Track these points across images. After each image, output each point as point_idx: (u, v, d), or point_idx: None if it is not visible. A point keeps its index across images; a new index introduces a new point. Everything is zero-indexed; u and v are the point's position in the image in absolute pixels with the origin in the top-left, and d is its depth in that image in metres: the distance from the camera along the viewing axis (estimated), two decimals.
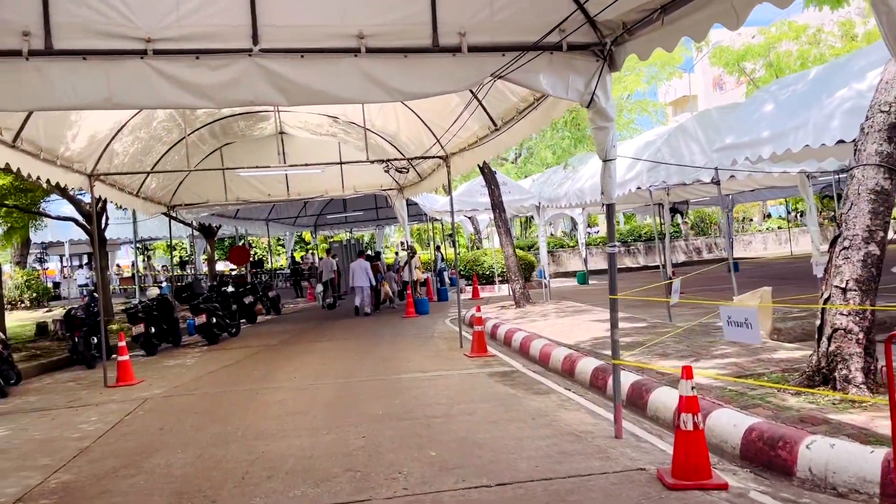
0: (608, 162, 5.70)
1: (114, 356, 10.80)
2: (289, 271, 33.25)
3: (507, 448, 5.68)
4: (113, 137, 10.34)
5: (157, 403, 8.72)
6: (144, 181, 13.36)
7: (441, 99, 9.77)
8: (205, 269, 31.96)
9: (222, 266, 37.62)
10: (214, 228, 24.76)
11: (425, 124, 11.38)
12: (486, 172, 15.30)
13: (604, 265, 29.22)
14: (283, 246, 46.72)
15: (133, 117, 10.47)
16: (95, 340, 12.81)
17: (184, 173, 15.94)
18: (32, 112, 7.47)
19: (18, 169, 7.85)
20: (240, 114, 13.77)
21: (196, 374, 11.02)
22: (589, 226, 42.35)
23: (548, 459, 5.33)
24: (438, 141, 11.37)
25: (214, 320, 14.69)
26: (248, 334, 16.31)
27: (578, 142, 17.87)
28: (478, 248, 27.72)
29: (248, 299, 19.37)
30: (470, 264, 24.33)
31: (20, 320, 23.62)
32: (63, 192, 17.59)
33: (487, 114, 8.96)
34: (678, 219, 25.65)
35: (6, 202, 19.16)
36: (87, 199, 20.33)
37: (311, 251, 40.74)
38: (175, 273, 38.17)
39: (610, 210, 5.83)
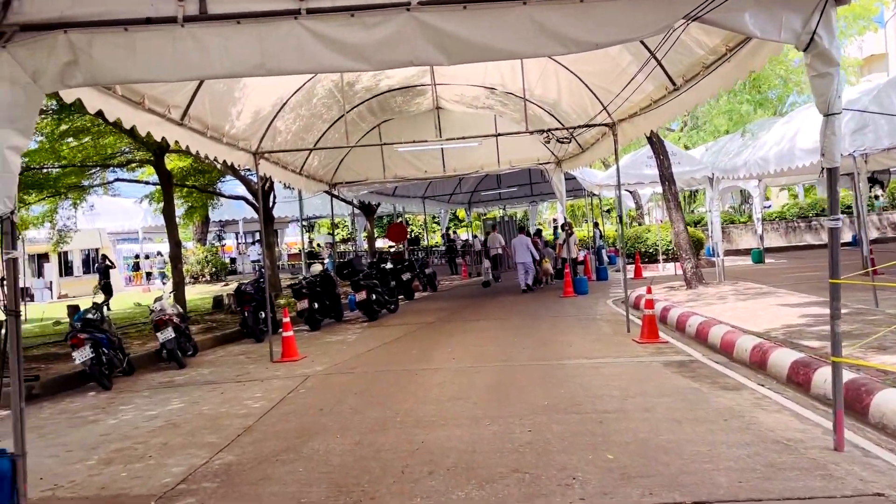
0: (831, 116, 4.66)
1: (280, 331, 11.01)
2: (444, 248, 33.46)
3: (698, 455, 4.88)
4: (276, 115, 10.43)
5: (318, 381, 8.68)
6: (307, 159, 13.56)
7: (609, 59, 8.90)
8: (365, 245, 32.94)
9: (381, 243, 38.63)
10: (374, 206, 25.25)
11: (590, 89, 10.52)
12: (655, 142, 14.11)
13: (780, 242, 26.68)
14: (438, 223, 47.32)
15: (294, 94, 10.50)
16: (263, 315, 13.25)
17: (343, 151, 16.12)
18: (199, 88, 7.53)
19: (188, 147, 8.00)
20: (397, 89, 13.58)
21: (356, 351, 11.00)
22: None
23: (753, 473, 4.47)
24: (605, 107, 10.46)
25: (374, 297, 14.76)
26: (406, 311, 16.31)
27: (759, 105, 16.08)
28: (639, 224, 26.21)
29: (406, 276, 19.46)
30: (631, 241, 23.02)
31: (200, 293, 25.49)
32: (234, 171, 18.48)
33: (665, 72, 7.98)
34: (877, 190, 22.67)
35: (186, 182, 20.56)
36: (255, 178, 21.38)
37: (451, 230, 40.76)
38: (337, 250, 39.86)
39: (832, 176, 4.78)
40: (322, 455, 5.51)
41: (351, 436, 5.98)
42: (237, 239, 41.98)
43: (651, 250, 22.55)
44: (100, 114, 5.91)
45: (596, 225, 23.99)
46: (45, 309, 21.16)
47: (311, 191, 16.22)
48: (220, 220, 37.55)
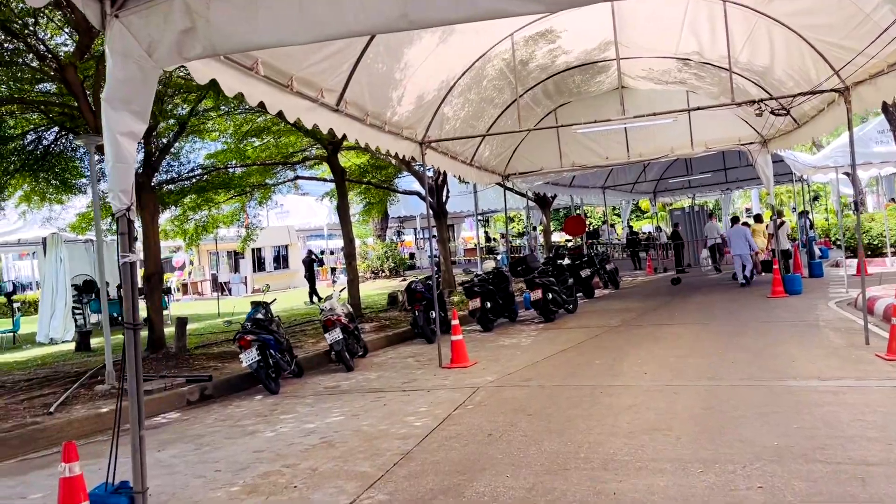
0: None
1: (450, 333, 10.19)
2: (625, 241, 31.38)
3: None
4: (442, 100, 9.59)
5: (487, 395, 7.69)
6: (478, 148, 12.67)
7: (847, 3, 7.03)
8: (540, 239, 31.76)
9: (556, 237, 37.21)
10: (549, 198, 24.00)
11: (814, 48, 8.57)
12: (893, 111, 11.61)
13: None
14: (618, 215, 44.89)
15: (461, 77, 9.59)
16: (434, 315, 12.58)
17: (517, 139, 15.09)
18: (355, 68, 6.80)
19: (345, 135, 7.34)
20: (575, 67, 12.26)
21: (530, 357, 9.91)
22: None
23: None
24: (836, 71, 8.48)
25: (550, 296, 13.59)
26: (585, 311, 14.96)
27: None
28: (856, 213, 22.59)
29: (585, 272, 18.04)
30: (850, 232, 19.82)
31: (379, 289, 25.74)
32: (407, 165, 18.12)
33: None
34: None
35: (364, 179, 20.63)
36: (430, 173, 21.04)
37: (629, 223, 38.21)
38: (512, 244, 39.02)
39: None
40: (488, 502, 4.48)
41: (524, 476, 4.89)
42: (416, 234, 42.56)
43: (875, 242, 19.25)
44: (239, 96, 5.30)
45: (805, 214, 20.96)
46: (237, 304, 22.26)
47: (483, 182, 15.37)
48: (399, 217, 38.16)
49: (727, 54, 9.10)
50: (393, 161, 19.05)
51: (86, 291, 18.13)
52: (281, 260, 32.77)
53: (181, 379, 9.78)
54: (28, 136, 13.20)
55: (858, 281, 14.69)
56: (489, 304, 13.28)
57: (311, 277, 24.02)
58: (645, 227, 45.87)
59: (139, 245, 11.55)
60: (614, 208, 45.57)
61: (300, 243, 41.38)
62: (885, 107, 11.20)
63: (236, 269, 31.78)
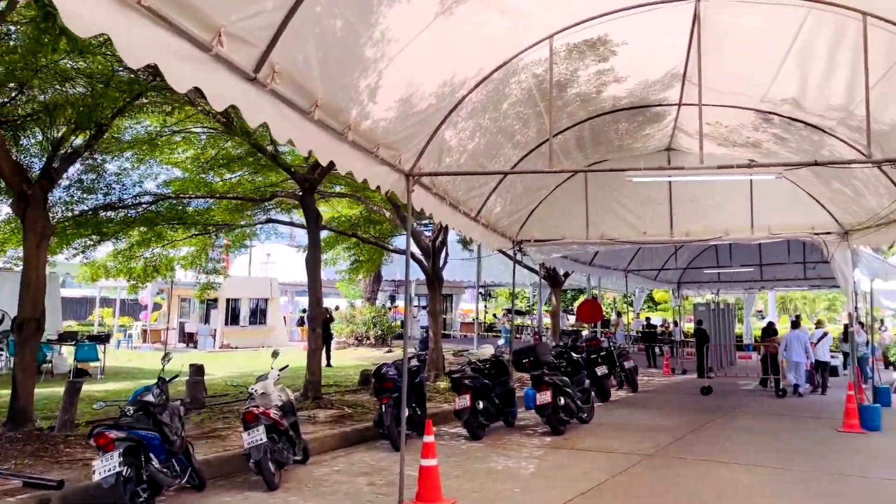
0: None
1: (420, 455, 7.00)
2: (638, 334, 28.16)
3: None
4: (446, 117, 6.70)
5: None
6: (487, 200, 9.73)
7: None
8: (546, 321, 28.61)
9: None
10: (561, 277, 21.01)
11: None
12: None
13: None
14: (630, 304, 41.80)
15: (475, 88, 6.73)
16: (407, 413, 9.40)
17: (536, 198, 12.23)
18: (292, 14, 3.91)
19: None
20: (625, 109, 9.44)
21: (533, 501, 6.73)
22: None
23: None
24: None
25: (562, 401, 10.42)
26: (602, 422, 11.75)
27: None
28: None
29: (602, 370, 14.91)
30: None
31: (359, 359, 22.56)
32: (403, 222, 15.26)
33: None
34: None
35: (354, 233, 17.77)
36: (428, 231, 18.19)
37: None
38: (515, 322, 35.81)
39: None
40: None
41: None
42: (410, 301, 39.50)
43: None
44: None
45: (860, 323, 17.76)
46: (190, 360, 19.07)
47: (491, 247, 12.41)
48: (394, 280, 35.17)
49: (865, 96, 6.21)
50: (387, 214, 16.29)
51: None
52: (259, 314, 29.60)
53: (17, 481, 6.63)
54: None
55: None
56: (481, 404, 10.11)
57: (326, 338, 21.30)
58: (655, 319, 42.75)
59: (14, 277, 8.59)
60: (625, 296, 42.52)
61: (287, 298, 38.18)
62: None
63: (207, 319, 28.56)
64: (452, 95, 6.57)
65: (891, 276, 13.35)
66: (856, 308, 14.88)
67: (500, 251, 13.97)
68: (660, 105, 9.55)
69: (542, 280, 20.21)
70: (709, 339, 19.61)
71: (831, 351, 20.78)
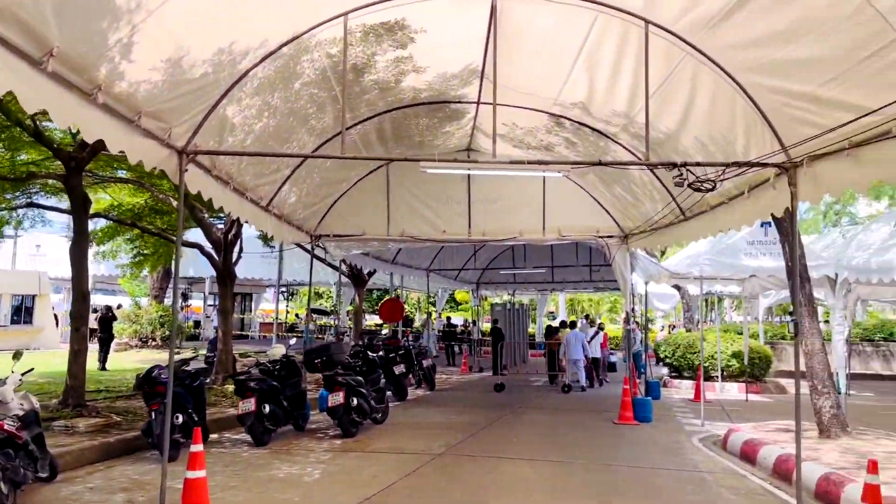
0: None
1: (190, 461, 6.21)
2: (439, 333, 28.68)
3: None
4: (227, 91, 6.02)
5: None
6: (281, 188, 9.08)
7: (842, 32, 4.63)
8: (348, 322, 28.14)
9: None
10: (365, 276, 20.69)
11: (757, 108, 6.20)
12: (784, 218, 9.77)
13: (860, 369, 21.90)
14: (433, 304, 42.62)
15: (262, 62, 6.11)
16: (181, 419, 8.51)
17: (335, 191, 11.77)
18: None
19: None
20: (425, 103, 9.25)
21: None
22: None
23: None
24: (781, 142, 6.14)
25: (355, 402, 10.03)
26: (396, 421, 11.55)
27: None
28: (687, 330, 21.67)
29: (400, 369, 14.79)
30: (681, 350, 18.43)
31: (141, 361, 20.55)
32: (192, 211, 14.06)
33: None
34: None
35: (139, 224, 16.09)
36: (221, 224, 16.98)
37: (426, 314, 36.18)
38: (318, 322, 34.88)
39: None
40: None
41: None
42: (205, 300, 37.08)
43: (707, 363, 17.91)
44: None
45: (628, 321, 19.26)
46: None
47: (285, 240, 11.78)
48: (188, 277, 32.81)
49: (645, 103, 6.48)
50: (175, 203, 14.89)
51: None
52: (24, 312, 26.10)
53: None
54: None
55: (710, 410, 12.80)
56: (268, 408, 9.43)
57: (107, 339, 19.16)
58: (456, 319, 44.02)
59: None
60: (430, 296, 43.36)
61: (63, 295, 34.17)
62: (775, 218, 9.28)
63: None
64: (234, 67, 5.91)
65: (663, 278, 14.53)
66: (633, 308, 16.06)
67: (298, 245, 13.33)
68: (459, 102, 9.51)
69: (346, 278, 19.76)
70: (504, 338, 20.29)
71: (611, 349, 22.54)
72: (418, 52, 7.44)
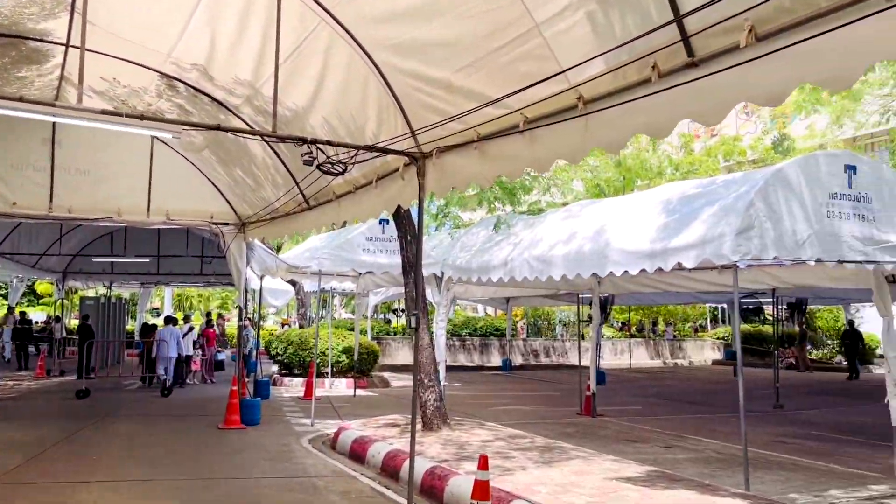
0: None
1: None
2: (10, 331, 23.83)
3: None
4: None
5: None
6: None
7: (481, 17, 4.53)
8: None
9: None
10: None
11: (391, 91, 5.89)
12: (403, 215, 9.94)
13: (450, 361, 24.35)
14: (4, 296, 35.58)
15: None
16: None
17: None
18: None
19: None
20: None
21: None
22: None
23: None
24: (412, 130, 5.93)
25: None
26: None
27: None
28: (301, 327, 21.39)
29: None
30: (293, 348, 18.11)
31: None
32: None
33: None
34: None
35: None
36: None
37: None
38: None
39: None
40: None
41: None
42: None
43: (318, 361, 17.90)
44: None
45: (246, 319, 18.37)
46: None
47: None
48: None
49: (275, 72, 5.67)
50: None
51: None
52: None
53: None
54: None
55: (320, 408, 12.49)
56: None
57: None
58: (37, 314, 37.70)
59: None
60: (2, 286, 36.23)
61: None
62: (398, 212, 9.37)
63: None
64: None
65: (281, 271, 13.91)
66: (245, 304, 15.18)
67: None
68: (41, 40, 7.52)
69: None
70: (94, 336, 17.56)
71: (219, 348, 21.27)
72: None
